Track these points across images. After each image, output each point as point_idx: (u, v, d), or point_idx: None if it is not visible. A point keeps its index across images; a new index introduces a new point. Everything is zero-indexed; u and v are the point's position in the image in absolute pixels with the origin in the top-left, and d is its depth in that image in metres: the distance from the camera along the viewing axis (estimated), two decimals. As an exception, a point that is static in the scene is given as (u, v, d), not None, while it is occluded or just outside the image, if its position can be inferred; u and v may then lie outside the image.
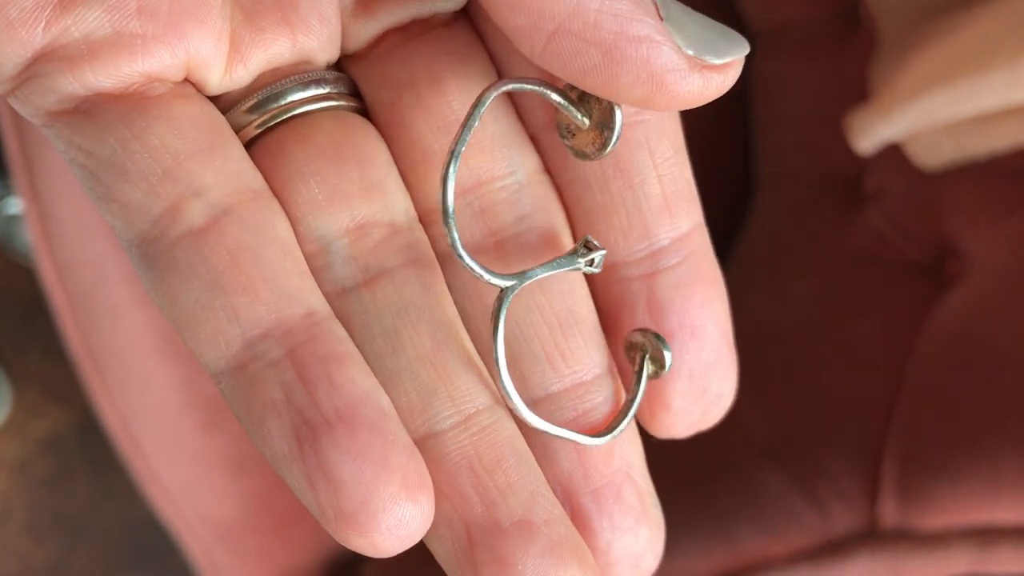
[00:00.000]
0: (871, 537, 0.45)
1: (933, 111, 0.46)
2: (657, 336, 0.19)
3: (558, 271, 0.19)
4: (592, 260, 0.19)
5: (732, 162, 0.63)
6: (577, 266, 0.18)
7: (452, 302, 0.19)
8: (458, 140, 0.18)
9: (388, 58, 0.19)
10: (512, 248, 0.19)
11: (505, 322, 0.18)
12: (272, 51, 0.19)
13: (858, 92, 0.54)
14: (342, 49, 0.20)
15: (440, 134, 0.19)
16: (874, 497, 0.45)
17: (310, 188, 0.18)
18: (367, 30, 0.19)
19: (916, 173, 0.53)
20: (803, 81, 0.59)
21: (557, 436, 0.18)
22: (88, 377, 0.54)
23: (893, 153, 0.53)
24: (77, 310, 0.53)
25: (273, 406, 0.17)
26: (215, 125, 0.18)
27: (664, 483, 0.21)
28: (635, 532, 0.19)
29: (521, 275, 0.18)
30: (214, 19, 0.18)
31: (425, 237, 0.19)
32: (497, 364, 0.18)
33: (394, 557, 0.17)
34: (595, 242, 0.19)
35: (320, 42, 0.19)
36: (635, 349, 0.19)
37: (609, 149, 0.18)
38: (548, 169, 0.20)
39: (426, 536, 0.17)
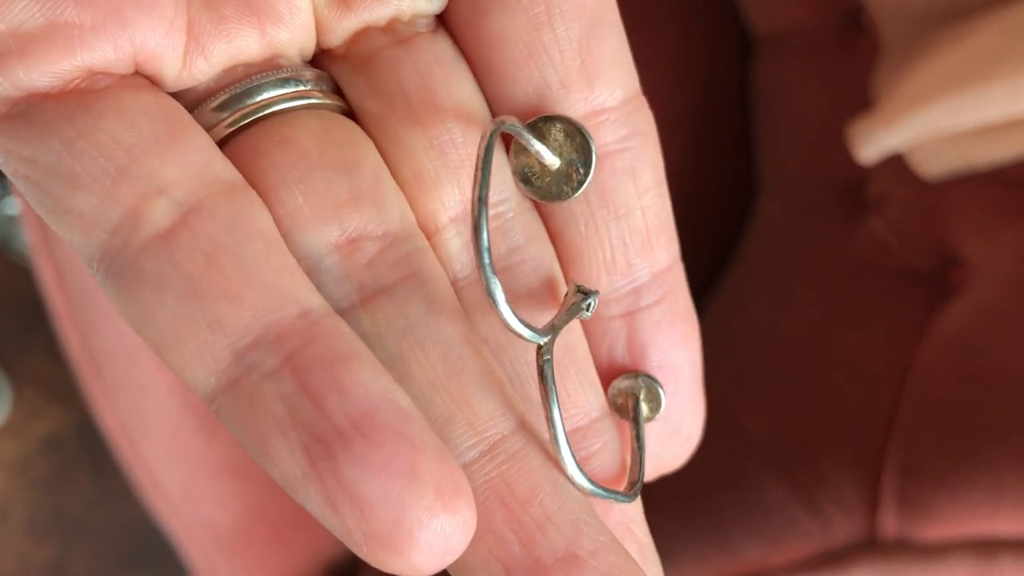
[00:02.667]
0: (871, 547, 0.45)
1: (936, 121, 0.46)
2: (648, 377, 0.19)
3: (574, 318, 0.17)
4: (589, 304, 0.18)
5: (734, 168, 0.63)
6: (583, 313, 0.18)
7: (462, 314, 0.17)
8: (480, 184, 0.16)
9: (374, 64, 0.18)
10: (506, 282, 0.18)
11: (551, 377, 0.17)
12: (237, 43, 0.17)
13: (861, 99, 0.54)
14: (320, 44, 0.18)
15: (434, 154, 0.18)
16: (875, 507, 0.45)
17: (294, 198, 0.16)
18: (344, 24, 0.18)
19: (919, 181, 0.52)
20: (805, 87, 0.59)
21: (605, 498, 0.17)
22: (87, 381, 0.54)
23: (895, 161, 0.52)
24: (76, 313, 0.53)
25: (277, 423, 0.14)
26: (173, 114, 0.16)
27: (663, 492, 0.20)
28: None
29: (552, 328, 0.17)
30: (165, 5, 0.16)
31: (426, 244, 0.17)
32: (552, 424, 0.16)
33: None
34: (585, 287, 0.18)
35: (292, 32, 0.17)
36: (625, 395, 0.19)
37: (583, 189, 0.18)
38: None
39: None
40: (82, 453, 0.89)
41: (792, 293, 0.55)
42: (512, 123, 0.17)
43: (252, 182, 0.16)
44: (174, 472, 0.54)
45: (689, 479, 0.49)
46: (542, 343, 0.17)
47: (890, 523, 0.45)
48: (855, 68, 0.56)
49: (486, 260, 0.16)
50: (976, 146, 0.49)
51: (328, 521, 0.14)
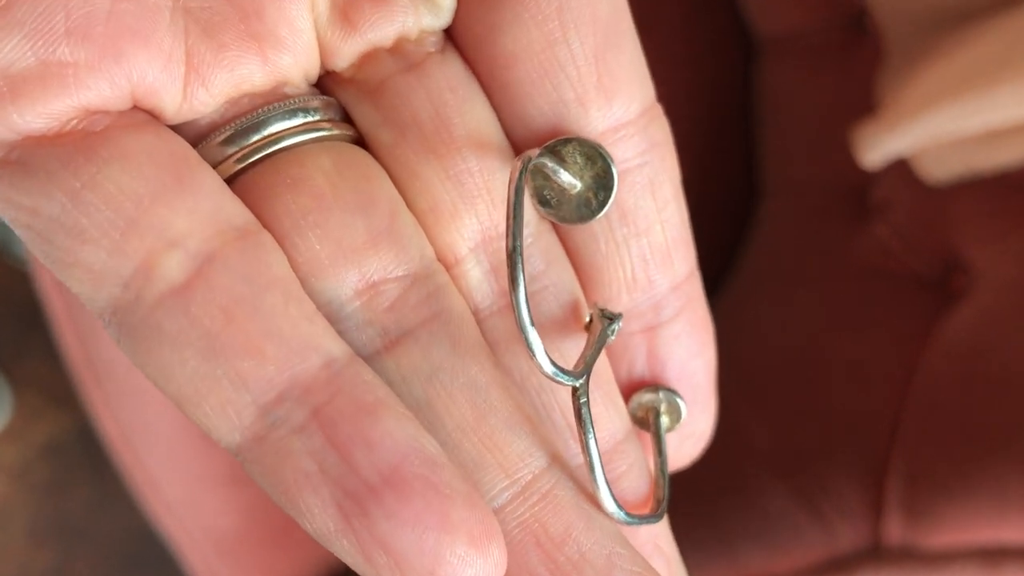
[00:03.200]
0: (875, 555, 0.44)
1: (940, 126, 0.46)
2: (668, 390, 0.19)
3: (603, 349, 0.17)
4: (614, 330, 0.18)
5: (737, 172, 0.62)
6: (610, 340, 0.18)
7: (487, 351, 0.17)
8: (512, 233, 0.16)
9: (385, 92, 0.17)
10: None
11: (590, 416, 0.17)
12: (239, 71, 0.16)
13: (864, 102, 0.54)
14: (326, 66, 0.18)
15: (450, 184, 0.17)
16: (879, 514, 0.45)
17: (310, 245, 0.16)
18: (350, 46, 0.17)
19: (923, 186, 0.52)
20: (809, 90, 0.59)
21: (639, 525, 0.17)
22: (87, 386, 0.54)
23: (899, 165, 0.52)
24: (76, 319, 0.53)
25: (307, 480, 0.14)
26: (179, 155, 0.16)
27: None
28: None
29: (586, 368, 0.17)
30: (162, 36, 0.15)
31: (447, 279, 0.17)
32: (591, 465, 0.16)
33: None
34: (609, 311, 0.18)
35: (294, 57, 0.17)
36: (646, 408, 0.19)
37: (604, 211, 0.18)
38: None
39: None
40: (83, 458, 0.89)
41: (795, 297, 0.55)
42: (538, 158, 0.17)
43: (266, 225, 0.16)
44: (174, 478, 0.54)
45: (691, 486, 0.48)
46: (578, 385, 0.17)
47: (894, 530, 0.44)
48: (859, 72, 0.56)
49: (524, 313, 0.16)
50: (981, 151, 0.49)
51: (363, 570, 0.15)
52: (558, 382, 0.16)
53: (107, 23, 0.15)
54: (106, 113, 0.15)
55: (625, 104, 0.18)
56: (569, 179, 0.17)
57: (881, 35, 0.55)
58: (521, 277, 0.16)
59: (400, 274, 0.17)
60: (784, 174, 0.60)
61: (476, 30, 0.17)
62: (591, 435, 0.16)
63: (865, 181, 0.55)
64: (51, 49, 0.15)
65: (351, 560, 0.15)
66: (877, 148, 0.48)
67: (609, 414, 0.18)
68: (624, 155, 0.18)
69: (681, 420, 0.19)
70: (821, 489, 0.46)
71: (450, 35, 0.18)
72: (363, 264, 0.16)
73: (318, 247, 0.16)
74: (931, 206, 0.52)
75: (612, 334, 0.18)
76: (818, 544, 0.45)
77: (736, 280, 0.59)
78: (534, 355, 0.16)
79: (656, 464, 0.19)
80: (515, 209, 0.16)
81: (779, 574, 0.45)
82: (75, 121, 0.15)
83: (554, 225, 0.19)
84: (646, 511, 0.18)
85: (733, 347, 0.54)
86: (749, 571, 0.46)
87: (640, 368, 0.19)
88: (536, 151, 0.17)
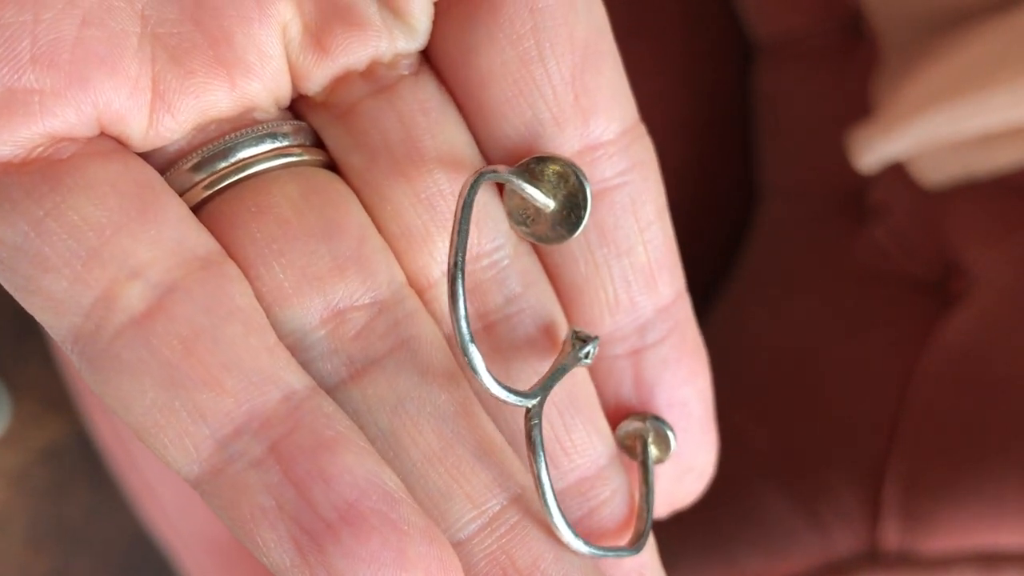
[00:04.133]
0: (873, 559, 0.44)
1: (936, 130, 0.46)
2: (656, 418, 0.18)
3: (568, 372, 0.17)
4: (587, 353, 0.17)
5: (735, 175, 0.62)
6: (581, 362, 0.17)
7: (457, 378, 0.17)
8: (455, 248, 0.16)
9: (356, 115, 0.17)
10: (504, 333, 0.18)
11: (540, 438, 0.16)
12: (206, 97, 0.16)
13: (861, 106, 0.54)
14: (298, 90, 0.17)
15: (422, 207, 0.17)
16: (876, 518, 0.45)
17: (274, 274, 0.16)
18: (323, 70, 0.17)
19: (920, 189, 0.52)
20: (806, 94, 0.59)
21: (608, 557, 0.17)
22: (83, 392, 0.54)
23: (896, 169, 0.52)
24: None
25: (264, 515, 0.14)
26: (144, 183, 0.15)
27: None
28: None
29: (542, 389, 0.16)
30: (128, 63, 0.15)
31: (418, 305, 0.17)
32: (542, 491, 0.16)
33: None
34: (584, 332, 0.17)
35: (264, 83, 0.16)
36: (633, 437, 0.18)
37: (579, 230, 0.17)
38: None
39: None
40: (81, 463, 0.89)
41: (793, 301, 0.55)
42: (494, 172, 0.17)
43: (231, 254, 0.16)
44: (170, 483, 0.54)
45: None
46: (530, 406, 0.16)
47: (892, 535, 0.44)
48: (856, 75, 0.56)
49: (464, 329, 0.16)
50: (977, 154, 0.49)
51: None
52: (507, 403, 0.16)
53: (73, 50, 0.15)
54: (72, 140, 0.15)
55: (604, 124, 0.17)
56: (541, 197, 0.17)
57: (877, 38, 0.55)
58: (461, 292, 0.16)
59: (367, 301, 0.16)
60: (782, 177, 0.60)
61: (451, 51, 0.17)
62: (542, 460, 0.16)
63: (862, 185, 0.55)
64: (16, 76, 0.14)
65: None
66: (873, 152, 0.48)
67: (591, 439, 0.18)
68: (603, 175, 0.17)
69: (671, 451, 0.18)
70: (819, 493, 0.46)
71: (426, 56, 0.18)
72: (328, 292, 0.16)
73: (281, 276, 0.16)
74: (929, 209, 0.52)
75: (586, 357, 0.17)
76: (816, 548, 0.45)
77: (734, 283, 0.59)
78: (477, 374, 0.16)
79: (641, 494, 0.18)
80: (460, 224, 0.16)
81: (776, 579, 0.45)
82: (40, 148, 0.15)
83: (535, 247, 0.18)
84: (624, 543, 0.18)
85: (731, 351, 0.54)
86: (747, 575, 0.46)
87: (627, 393, 0.18)
88: (493, 167, 0.17)
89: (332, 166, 0.18)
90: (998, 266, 0.49)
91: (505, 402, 0.16)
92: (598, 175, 0.17)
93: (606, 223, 0.18)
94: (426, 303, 0.17)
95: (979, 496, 0.43)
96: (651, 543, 0.18)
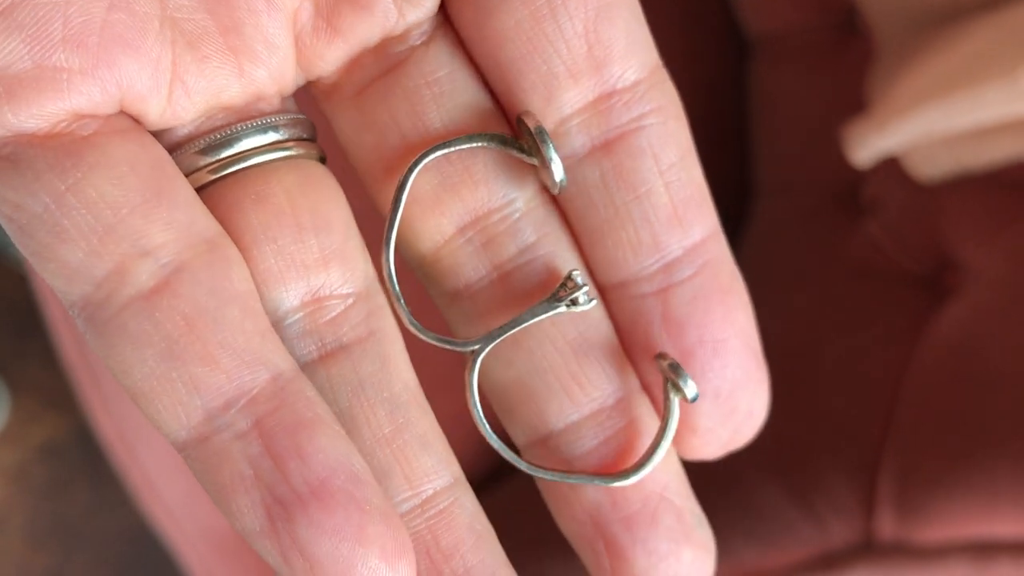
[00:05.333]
0: (868, 551, 0.45)
1: (930, 124, 0.46)
2: (672, 365, 0.18)
3: (537, 319, 0.18)
4: (576, 299, 0.18)
5: (729, 171, 0.63)
6: (558, 309, 0.18)
7: (411, 372, 0.18)
8: (389, 225, 0.17)
9: (367, 97, 0.18)
10: (518, 281, 0.19)
11: (478, 382, 0.18)
12: (218, 81, 0.17)
13: (856, 101, 0.54)
14: (312, 75, 0.18)
15: (430, 174, 0.18)
16: (871, 510, 0.45)
17: (266, 258, 0.17)
18: (336, 51, 0.18)
19: (914, 184, 0.52)
20: (801, 90, 0.59)
21: (573, 482, 0.18)
22: (85, 388, 0.54)
23: (891, 163, 0.52)
24: (73, 321, 0.53)
25: (241, 482, 0.16)
26: (159, 166, 0.17)
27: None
28: (676, 555, 0.19)
29: (488, 337, 0.18)
30: (150, 46, 0.16)
31: (384, 302, 0.18)
32: (481, 424, 0.18)
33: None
34: (578, 278, 0.18)
35: (269, 71, 0.18)
36: (663, 375, 0.19)
37: (561, 180, 0.18)
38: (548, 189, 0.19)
39: None
40: (80, 460, 0.89)
41: (787, 296, 0.55)
42: (443, 149, 0.18)
43: (230, 236, 0.17)
44: (172, 479, 0.54)
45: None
46: (469, 351, 0.18)
47: (886, 526, 0.44)
48: (850, 70, 0.56)
49: (395, 288, 0.18)
50: (971, 148, 0.49)
51: (280, 570, 0.16)
52: (439, 344, 0.18)
53: (101, 32, 0.16)
54: (94, 117, 0.16)
55: (619, 72, 0.18)
56: (525, 156, 0.18)
57: (872, 34, 0.55)
58: (389, 255, 0.18)
59: (345, 292, 0.18)
60: (777, 173, 0.60)
61: (468, 14, 0.18)
62: (474, 393, 0.18)
63: (856, 179, 0.55)
64: (47, 55, 0.15)
65: (271, 561, 0.16)
66: (867, 146, 0.49)
67: (607, 374, 0.18)
68: (619, 120, 0.18)
69: (692, 398, 0.18)
70: (814, 485, 0.46)
71: (445, 18, 0.18)
72: (312, 279, 0.17)
73: (272, 260, 0.17)
74: (922, 204, 0.52)
75: (567, 302, 0.18)
76: (811, 540, 0.45)
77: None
78: (408, 322, 0.18)
79: (660, 430, 0.19)
80: (397, 193, 0.17)
81: (772, 570, 0.46)
82: (64, 123, 0.16)
83: (556, 198, 0.19)
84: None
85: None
86: (742, 567, 0.46)
87: (657, 332, 0.18)
88: (438, 144, 0.18)
89: (324, 160, 0.19)
90: (991, 260, 0.50)
91: (445, 346, 0.18)
92: (615, 122, 0.18)
93: (624, 167, 0.18)
94: (442, 257, 0.19)
95: (973, 487, 0.43)
96: (675, 466, 0.19)
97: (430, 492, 0.17)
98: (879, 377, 0.48)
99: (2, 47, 0.15)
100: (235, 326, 0.16)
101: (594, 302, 0.18)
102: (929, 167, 0.51)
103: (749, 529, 0.46)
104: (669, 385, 0.18)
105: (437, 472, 0.18)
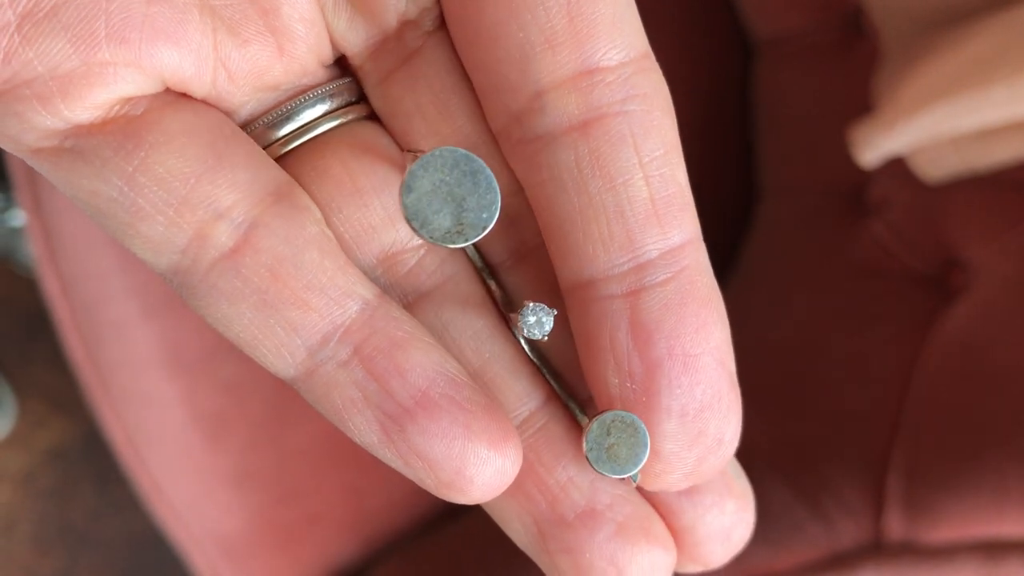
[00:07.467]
0: (877, 551, 0.45)
1: (936, 125, 0.46)
2: (626, 419, 0.17)
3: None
4: (528, 326, 0.19)
5: (735, 172, 0.63)
6: (533, 332, 0.18)
7: (491, 308, 0.19)
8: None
9: (391, 85, 0.19)
10: (545, 256, 0.19)
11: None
12: (260, 63, 0.18)
13: (861, 102, 0.54)
14: (339, 52, 0.19)
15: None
16: (880, 510, 0.45)
17: (335, 227, 0.18)
18: (358, 32, 0.18)
19: (920, 184, 0.52)
20: (806, 91, 0.59)
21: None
22: (92, 392, 0.54)
23: (896, 164, 0.52)
24: (81, 325, 0.53)
25: (353, 404, 0.17)
26: (215, 129, 0.17)
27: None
28: (720, 507, 0.19)
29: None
30: (191, 36, 0.17)
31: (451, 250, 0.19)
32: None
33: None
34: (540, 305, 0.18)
35: (308, 45, 0.18)
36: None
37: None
38: (516, 171, 0.18)
39: (502, 524, 0.19)
40: (87, 464, 0.89)
41: (794, 296, 0.55)
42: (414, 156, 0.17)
43: None
44: (180, 482, 0.54)
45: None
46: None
47: (895, 526, 0.44)
48: (855, 71, 0.56)
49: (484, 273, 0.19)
50: (977, 149, 0.49)
51: (404, 471, 0.17)
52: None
53: (142, 27, 0.16)
54: (143, 97, 0.17)
55: (603, 49, 0.17)
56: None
57: (877, 35, 0.55)
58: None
59: (414, 244, 0.19)
60: (782, 174, 0.60)
61: None
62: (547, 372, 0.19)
63: (862, 180, 0.55)
64: (93, 52, 0.16)
65: (394, 465, 0.17)
66: (874, 147, 0.49)
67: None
68: (599, 101, 0.17)
69: (642, 450, 0.17)
70: (822, 486, 0.46)
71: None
72: (383, 238, 0.19)
73: (342, 230, 0.18)
74: (928, 204, 0.52)
75: (526, 330, 0.18)
76: (820, 540, 0.45)
77: (735, 280, 0.59)
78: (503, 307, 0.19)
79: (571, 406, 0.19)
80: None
81: (781, 570, 0.46)
82: (116, 108, 0.17)
83: (522, 181, 0.18)
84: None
85: (734, 347, 0.54)
86: (752, 568, 0.46)
87: (623, 339, 0.17)
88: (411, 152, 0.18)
89: (374, 115, 0.19)
90: (997, 260, 0.50)
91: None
92: (594, 101, 0.17)
93: (601, 152, 0.17)
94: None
95: (981, 487, 0.43)
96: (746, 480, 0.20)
97: (526, 413, 0.19)
98: (887, 377, 0.48)
99: (50, 48, 0.16)
100: (316, 267, 0.17)
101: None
102: (935, 168, 0.51)
103: (758, 530, 0.46)
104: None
105: (530, 395, 0.19)
